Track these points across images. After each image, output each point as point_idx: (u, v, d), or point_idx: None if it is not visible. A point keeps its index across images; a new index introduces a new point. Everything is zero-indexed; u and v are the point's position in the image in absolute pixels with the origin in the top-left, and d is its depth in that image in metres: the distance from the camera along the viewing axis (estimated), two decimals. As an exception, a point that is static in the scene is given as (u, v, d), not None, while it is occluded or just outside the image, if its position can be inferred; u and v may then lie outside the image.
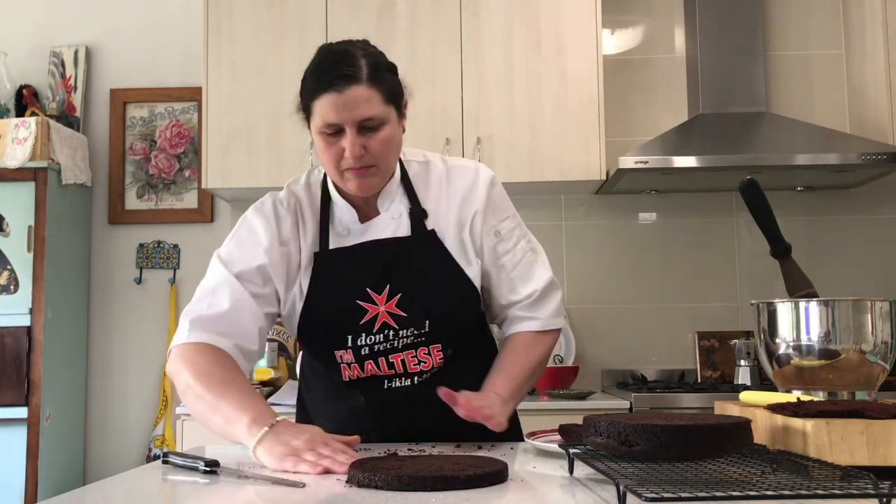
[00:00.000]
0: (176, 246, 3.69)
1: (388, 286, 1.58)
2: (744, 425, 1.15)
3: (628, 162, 3.11)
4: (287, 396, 3.02)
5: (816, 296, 1.53)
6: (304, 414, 1.78)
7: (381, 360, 1.60)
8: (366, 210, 1.64)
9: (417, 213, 1.63)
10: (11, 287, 3.20)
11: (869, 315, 1.40)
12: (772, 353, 1.46)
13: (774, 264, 1.61)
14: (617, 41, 3.70)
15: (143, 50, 3.75)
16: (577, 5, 3.32)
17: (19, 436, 3.12)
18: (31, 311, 3.18)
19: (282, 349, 3.28)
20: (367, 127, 1.50)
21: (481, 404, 1.48)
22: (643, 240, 3.62)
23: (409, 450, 1.47)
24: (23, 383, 3.14)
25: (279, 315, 1.66)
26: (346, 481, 1.18)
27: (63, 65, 3.73)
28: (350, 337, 1.58)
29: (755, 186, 1.60)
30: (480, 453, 1.43)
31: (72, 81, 3.71)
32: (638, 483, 0.99)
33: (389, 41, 3.33)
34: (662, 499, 0.92)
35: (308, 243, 1.63)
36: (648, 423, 1.12)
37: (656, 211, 3.64)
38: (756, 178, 1.61)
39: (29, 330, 3.17)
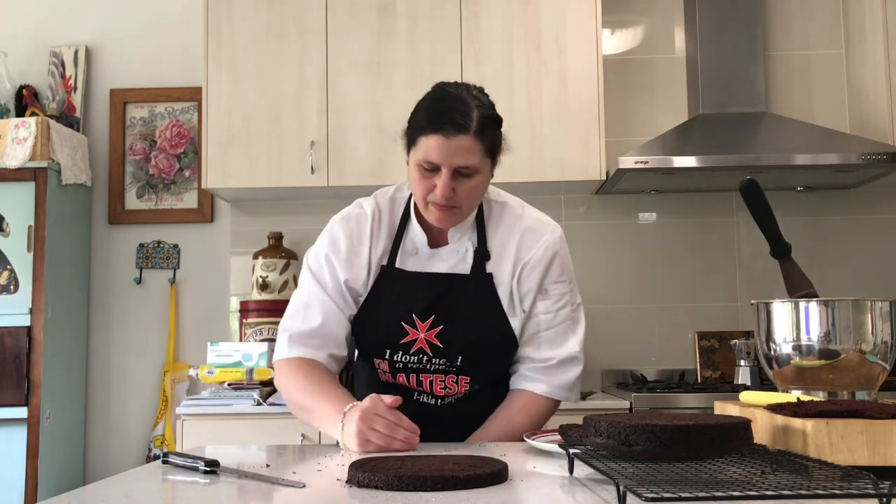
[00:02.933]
0: (176, 246, 3.70)
1: (433, 316, 1.70)
2: (744, 425, 1.15)
3: (628, 162, 3.11)
4: (287, 396, 3.02)
5: (816, 296, 1.53)
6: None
7: (413, 376, 1.74)
8: (437, 237, 1.76)
9: (481, 254, 1.73)
10: (11, 287, 3.20)
11: (869, 315, 1.40)
12: (772, 353, 1.46)
13: (774, 264, 1.62)
14: (617, 41, 3.70)
15: (143, 50, 3.75)
16: (577, 5, 3.32)
17: (19, 436, 3.12)
18: (31, 311, 3.18)
19: (282, 349, 3.27)
20: (461, 173, 1.62)
21: None
22: (643, 240, 3.62)
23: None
24: (23, 383, 3.14)
25: None
26: (346, 481, 1.18)
27: (63, 65, 3.73)
28: (388, 351, 1.72)
29: (755, 187, 1.60)
30: (480, 453, 1.43)
31: (72, 81, 3.71)
32: (638, 483, 0.99)
33: (389, 41, 3.34)
34: (662, 499, 0.92)
35: (378, 253, 1.75)
36: (648, 423, 1.12)
37: (656, 211, 3.64)
38: (756, 178, 1.61)
39: (29, 330, 3.17)
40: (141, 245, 3.69)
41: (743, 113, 3.40)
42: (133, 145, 3.72)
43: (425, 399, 1.75)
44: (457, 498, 1.06)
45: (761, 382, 3.13)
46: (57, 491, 3.16)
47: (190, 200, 3.70)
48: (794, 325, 1.43)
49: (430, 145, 1.61)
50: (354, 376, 1.95)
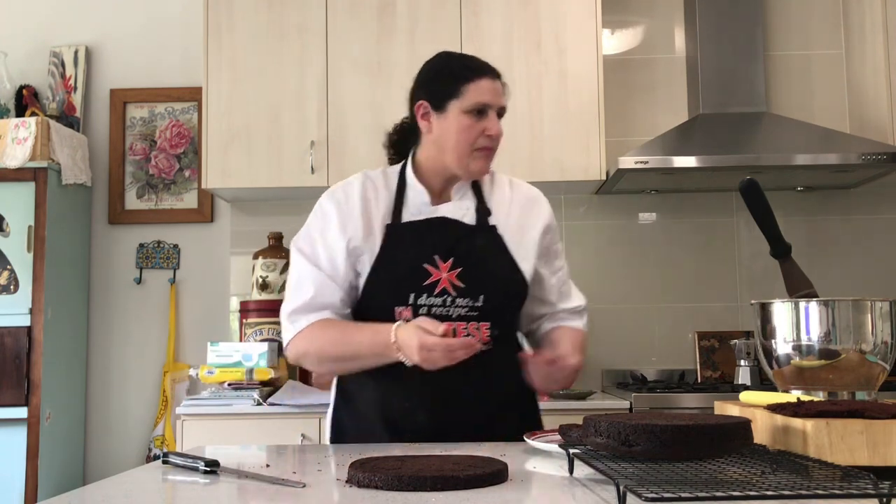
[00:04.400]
0: (176, 246, 3.70)
1: (452, 258, 1.75)
2: (744, 425, 1.15)
3: (628, 162, 3.11)
4: (287, 396, 3.02)
5: (816, 296, 1.53)
6: (343, 391, 1.88)
7: None
8: (437, 198, 1.84)
9: (483, 210, 1.82)
10: (11, 287, 3.20)
11: (869, 315, 1.40)
12: (772, 353, 1.46)
13: (774, 264, 1.62)
14: (617, 41, 3.70)
15: (143, 50, 3.75)
16: (577, 5, 3.32)
17: (19, 436, 3.12)
18: (31, 311, 3.18)
19: (282, 349, 3.27)
20: (499, 115, 1.78)
21: (559, 354, 1.72)
22: (643, 240, 3.62)
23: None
24: (23, 383, 3.14)
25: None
26: (346, 481, 1.18)
27: (63, 65, 3.73)
28: (412, 295, 1.73)
29: (755, 187, 1.60)
30: (480, 453, 1.43)
31: (72, 81, 3.72)
32: (638, 483, 0.99)
33: (389, 41, 3.34)
34: (662, 499, 0.92)
35: (379, 213, 1.80)
36: (648, 423, 1.12)
37: (656, 211, 3.63)
38: (756, 179, 1.61)
39: (29, 330, 3.17)
40: (141, 245, 3.69)
41: (743, 113, 3.40)
42: (133, 145, 3.72)
43: None
44: (457, 498, 1.06)
45: (761, 382, 3.13)
46: (57, 491, 3.16)
47: (190, 200, 3.70)
48: (794, 325, 1.43)
49: (482, 88, 1.75)
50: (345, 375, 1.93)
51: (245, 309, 3.37)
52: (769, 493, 0.95)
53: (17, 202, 3.23)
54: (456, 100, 1.76)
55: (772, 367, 1.47)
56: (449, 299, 1.73)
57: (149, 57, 3.75)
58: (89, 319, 3.66)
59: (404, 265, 1.75)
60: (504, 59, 3.32)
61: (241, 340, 3.35)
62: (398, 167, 1.89)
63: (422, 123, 1.82)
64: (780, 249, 1.59)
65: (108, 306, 3.67)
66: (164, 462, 1.39)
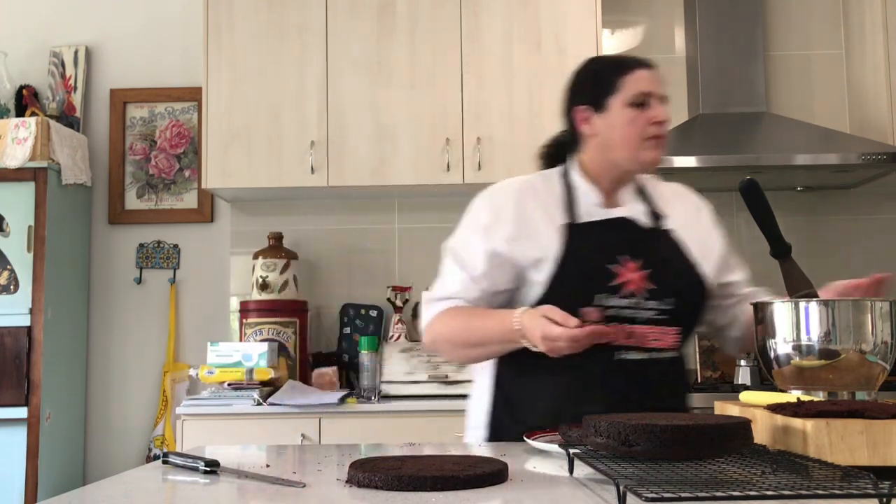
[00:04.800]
0: (176, 246, 3.70)
1: (641, 259, 1.71)
2: (744, 425, 1.15)
3: (628, 162, 3.11)
4: (287, 396, 3.02)
5: (816, 296, 1.53)
6: (503, 393, 1.79)
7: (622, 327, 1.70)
8: (609, 201, 1.80)
9: (655, 213, 1.80)
10: (11, 287, 3.20)
11: (869, 315, 1.40)
12: (772, 353, 1.46)
13: (774, 264, 1.61)
14: (617, 41, 3.70)
15: (143, 50, 3.75)
16: (577, 5, 3.32)
17: (19, 436, 3.12)
18: (31, 311, 3.18)
19: (282, 349, 3.28)
20: (662, 104, 1.77)
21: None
22: (643, 240, 3.62)
23: None
24: (23, 383, 3.14)
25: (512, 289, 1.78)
26: (346, 481, 1.18)
27: (63, 65, 3.73)
28: (598, 296, 1.68)
29: (755, 187, 1.60)
30: (480, 453, 1.43)
31: (72, 81, 3.71)
32: (638, 483, 0.99)
33: (389, 41, 3.34)
34: (662, 499, 0.92)
35: (551, 218, 1.76)
36: (648, 423, 1.12)
37: (656, 211, 3.63)
38: (756, 178, 1.61)
39: (29, 330, 3.17)
40: (141, 245, 3.69)
41: (743, 113, 3.40)
42: (133, 145, 3.72)
43: (633, 356, 1.68)
44: (457, 498, 1.06)
45: (761, 382, 3.13)
46: (57, 491, 3.16)
47: (190, 200, 3.70)
48: (794, 325, 1.43)
49: (639, 78, 1.76)
50: (507, 372, 1.80)
51: (245, 309, 3.37)
52: (769, 493, 0.95)
53: (17, 202, 3.23)
54: (616, 95, 1.75)
55: (772, 367, 1.47)
56: (636, 301, 1.69)
57: (149, 57, 3.75)
58: (89, 319, 3.66)
59: (588, 265, 1.70)
60: (504, 59, 3.32)
61: (241, 340, 3.35)
62: (557, 170, 1.86)
63: (583, 128, 1.80)
64: (780, 249, 1.59)
65: (108, 306, 3.67)
66: (164, 462, 1.39)
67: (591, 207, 1.77)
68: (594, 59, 1.90)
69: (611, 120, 1.75)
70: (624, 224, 1.75)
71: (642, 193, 1.83)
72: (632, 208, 1.79)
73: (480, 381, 1.85)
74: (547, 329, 1.53)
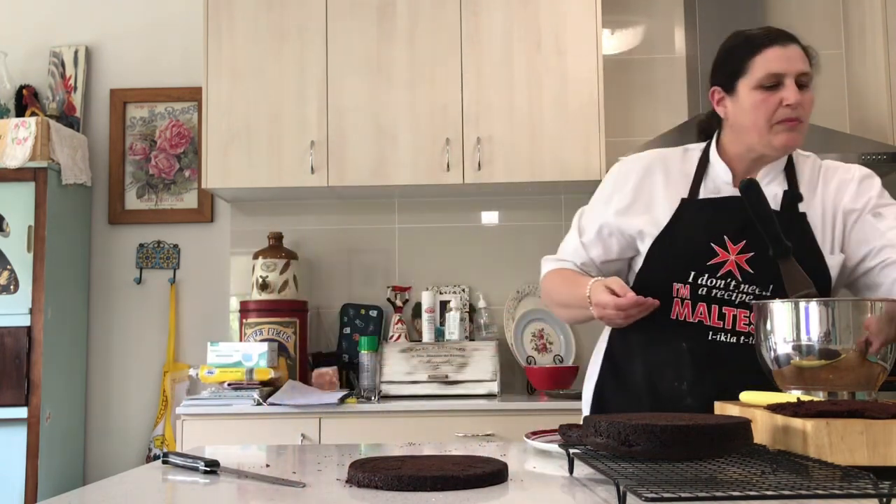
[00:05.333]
0: (176, 246, 3.70)
1: (745, 241, 1.66)
2: (744, 425, 1.15)
3: (628, 162, 3.11)
4: (287, 396, 3.02)
5: (816, 296, 1.53)
6: (612, 364, 1.84)
7: (714, 307, 1.67)
8: (742, 177, 1.73)
9: (793, 195, 1.70)
10: (11, 287, 3.20)
11: (869, 315, 1.40)
12: (772, 353, 1.46)
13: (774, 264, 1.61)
14: (617, 41, 3.70)
15: (143, 50, 3.75)
16: (577, 5, 3.32)
17: (19, 436, 3.12)
18: (31, 311, 3.18)
19: (282, 349, 3.28)
20: (801, 83, 1.66)
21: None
22: (643, 240, 3.62)
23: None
24: (23, 383, 3.14)
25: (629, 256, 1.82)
26: (346, 481, 1.18)
27: (63, 65, 3.73)
28: (693, 273, 1.67)
29: (755, 186, 1.60)
30: (480, 453, 1.43)
31: (72, 81, 3.72)
32: (638, 483, 0.99)
33: (389, 41, 3.34)
34: (662, 499, 0.92)
35: (672, 192, 1.75)
36: (648, 423, 1.12)
37: (656, 211, 3.63)
38: (756, 178, 1.61)
39: (29, 330, 3.17)
40: (141, 245, 3.69)
41: (743, 113, 3.40)
42: (133, 145, 3.72)
43: (723, 338, 1.66)
44: (457, 498, 1.06)
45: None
46: (57, 491, 3.17)
47: (190, 200, 3.70)
48: (794, 325, 1.43)
49: (769, 58, 1.66)
50: (617, 340, 1.84)
51: (245, 309, 3.37)
52: (769, 493, 0.95)
53: (17, 202, 3.23)
54: (744, 77, 1.68)
55: (772, 367, 1.47)
56: (733, 283, 1.65)
57: (149, 57, 3.75)
58: (89, 319, 3.66)
59: (689, 241, 1.68)
60: (504, 59, 3.32)
61: (241, 340, 3.35)
62: (701, 145, 1.82)
63: (718, 109, 1.76)
64: (780, 249, 1.58)
65: (108, 306, 3.67)
66: (164, 462, 1.39)
67: (721, 185, 1.74)
68: (734, 34, 1.78)
69: (739, 103, 1.70)
70: (741, 203, 1.65)
71: (791, 175, 1.74)
72: (763, 188, 1.69)
73: (597, 351, 1.90)
74: (599, 297, 1.59)
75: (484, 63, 3.31)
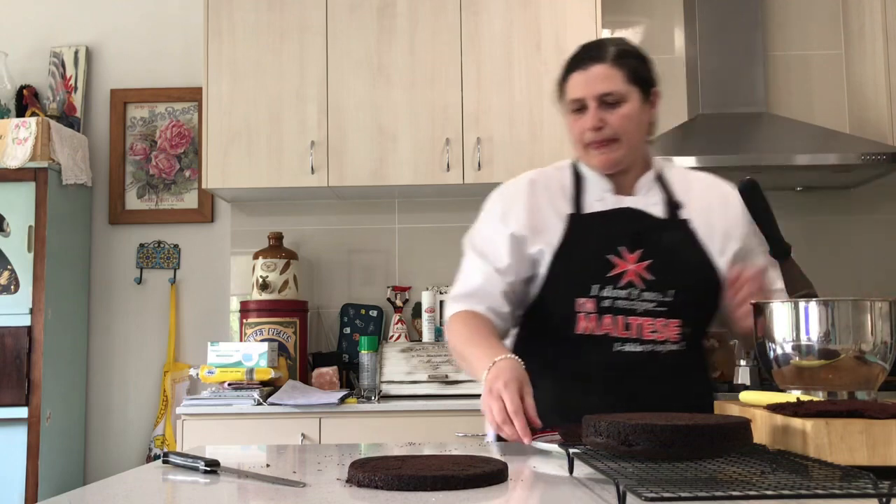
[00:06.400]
0: (176, 246, 3.70)
1: (640, 250, 1.67)
2: (744, 425, 1.15)
3: (628, 162, 3.11)
4: (287, 396, 3.02)
5: (816, 296, 1.53)
6: None
7: (620, 318, 1.66)
8: (620, 189, 1.76)
9: (673, 203, 1.74)
10: (11, 287, 3.20)
11: (869, 315, 1.40)
12: (771, 353, 1.46)
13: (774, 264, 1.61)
14: (617, 41, 3.69)
15: (143, 50, 3.75)
16: (577, 5, 3.32)
17: (19, 436, 3.12)
18: (31, 311, 3.18)
19: (282, 349, 3.28)
20: (607, 102, 1.68)
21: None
22: (643, 240, 3.62)
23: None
24: (23, 383, 3.14)
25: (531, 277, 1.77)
26: (346, 481, 1.18)
27: (63, 65, 3.73)
28: (595, 286, 1.66)
29: (755, 187, 1.60)
30: (480, 453, 1.43)
31: (72, 81, 3.72)
32: (638, 483, 0.99)
33: (389, 41, 3.34)
34: (662, 499, 0.92)
35: (558, 208, 1.75)
36: (648, 423, 1.12)
37: (656, 211, 3.63)
38: (756, 178, 1.61)
39: (29, 330, 3.17)
40: (141, 245, 3.69)
41: (743, 113, 3.40)
42: (133, 145, 3.72)
43: (630, 347, 1.66)
44: (457, 498, 1.06)
45: (761, 382, 3.12)
46: (57, 491, 3.17)
47: (190, 200, 3.70)
48: (794, 325, 1.43)
49: (572, 84, 1.70)
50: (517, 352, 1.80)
51: (245, 309, 3.37)
52: (769, 493, 0.95)
53: (18, 202, 3.23)
54: (562, 101, 1.76)
55: (772, 367, 1.47)
56: (635, 292, 1.65)
57: (149, 57, 3.75)
58: (89, 319, 3.66)
59: (587, 255, 1.68)
60: (504, 59, 3.32)
61: (241, 340, 3.35)
62: (568, 161, 1.84)
63: None
64: (780, 249, 1.58)
65: (108, 306, 3.67)
66: (164, 462, 1.39)
67: (602, 195, 1.75)
68: (578, 48, 1.80)
69: (565, 121, 1.76)
70: (629, 214, 1.72)
71: (662, 181, 1.78)
72: (644, 198, 1.74)
73: None
74: (493, 395, 1.47)
75: (484, 63, 3.31)
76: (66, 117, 3.68)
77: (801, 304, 1.43)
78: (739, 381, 3.21)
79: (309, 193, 3.48)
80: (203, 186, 3.35)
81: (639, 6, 3.71)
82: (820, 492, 0.96)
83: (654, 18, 3.70)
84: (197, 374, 3.12)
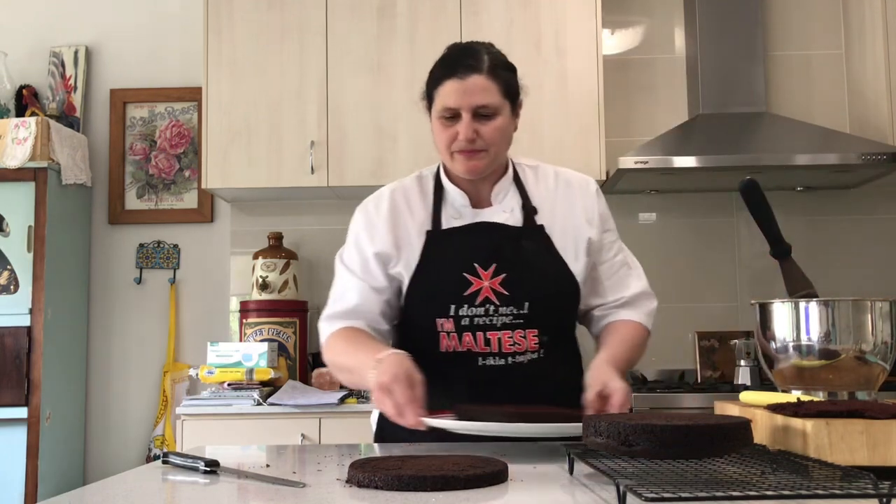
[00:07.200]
0: (176, 246, 3.70)
1: (494, 265, 1.67)
2: (744, 425, 1.15)
3: (628, 162, 3.11)
4: (287, 396, 3.02)
5: (816, 296, 1.53)
6: None
7: (479, 334, 1.68)
8: (478, 200, 1.76)
9: (529, 208, 1.74)
10: (11, 287, 3.20)
11: (869, 315, 1.40)
12: (771, 353, 1.46)
13: (774, 264, 1.61)
14: (617, 41, 3.70)
15: (143, 50, 3.75)
16: (577, 5, 3.32)
17: (19, 436, 3.12)
18: (31, 311, 3.18)
19: (282, 349, 3.28)
20: (481, 114, 1.65)
21: (616, 402, 1.53)
22: (643, 240, 3.62)
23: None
24: (23, 383, 3.14)
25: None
26: (346, 481, 1.18)
27: (63, 65, 3.73)
28: (453, 306, 1.67)
29: (755, 187, 1.60)
30: (480, 453, 1.43)
31: (72, 81, 3.72)
32: (638, 483, 0.99)
33: (389, 41, 3.34)
34: (662, 499, 0.92)
35: (417, 224, 1.74)
36: (648, 423, 1.12)
37: (656, 211, 3.63)
38: (756, 178, 1.61)
39: (29, 330, 3.17)
40: (141, 245, 3.69)
41: (743, 113, 3.40)
42: (133, 145, 3.72)
43: (493, 361, 1.68)
44: (457, 498, 1.06)
45: (761, 382, 3.13)
46: (57, 491, 3.16)
47: (190, 200, 3.70)
48: (794, 325, 1.43)
49: (446, 91, 1.65)
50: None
51: (245, 309, 3.37)
52: (769, 493, 0.95)
53: (17, 202, 3.23)
54: (432, 104, 1.70)
55: (772, 368, 1.47)
56: (492, 308, 1.66)
57: (149, 57, 3.75)
58: (89, 319, 3.66)
59: (443, 275, 1.69)
60: (504, 59, 3.32)
61: (241, 340, 3.35)
62: (434, 168, 1.81)
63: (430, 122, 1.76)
64: (780, 249, 1.58)
65: (108, 306, 3.67)
66: (164, 462, 1.39)
67: (461, 209, 1.74)
68: (447, 49, 1.74)
69: (433, 126, 1.71)
70: (484, 228, 1.71)
71: (521, 187, 1.76)
72: (501, 208, 1.74)
73: None
74: (380, 397, 1.49)
75: (484, 63, 3.31)
76: (66, 117, 3.68)
77: (802, 304, 1.43)
78: (739, 381, 3.21)
79: (309, 193, 3.48)
80: (203, 186, 3.35)
81: (639, 6, 3.70)
82: (820, 492, 0.96)
83: (654, 18, 3.70)
84: (197, 375, 3.12)
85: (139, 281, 3.68)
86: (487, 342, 1.67)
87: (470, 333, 1.68)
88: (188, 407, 2.99)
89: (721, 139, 3.28)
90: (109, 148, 3.72)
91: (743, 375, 3.21)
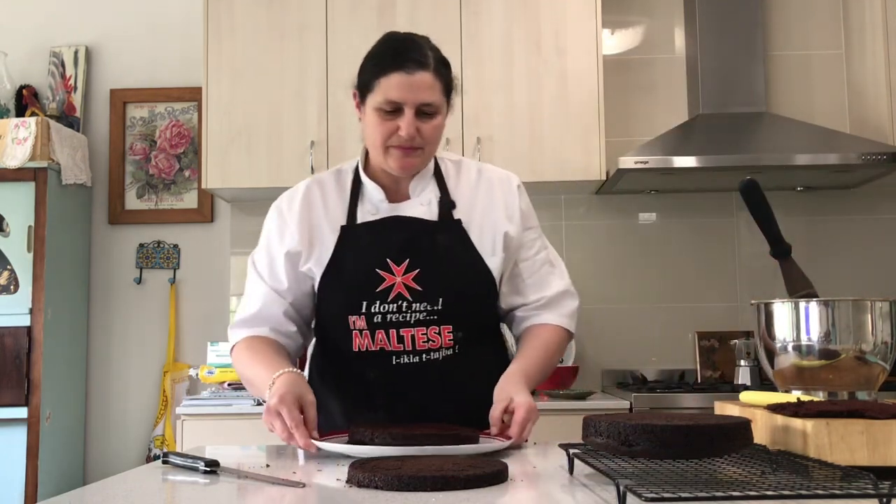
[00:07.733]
0: (176, 246, 3.69)
1: (407, 260, 1.65)
2: (744, 425, 1.15)
3: (628, 162, 3.11)
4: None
5: (816, 296, 1.53)
6: (316, 398, 1.77)
7: (392, 332, 1.65)
8: (395, 194, 1.73)
9: (447, 202, 1.71)
10: (11, 287, 3.20)
11: (869, 315, 1.40)
12: (772, 353, 1.46)
13: (774, 264, 1.61)
14: (617, 41, 3.70)
15: (143, 50, 3.75)
16: (577, 5, 3.32)
17: (19, 436, 3.12)
18: (31, 311, 3.18)
19: (282, 349, 3.27)
20: (424, 112, 1.62)
21: (518, 419, 1.52)
22: (643, 240, 3.62)
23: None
24: (23, 383, 3.14)
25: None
26: (346, 481, 1.18)
27: (63, 65, 3.73)
28: (365, 303, 1.64)
29: (755, 187, 1.60)
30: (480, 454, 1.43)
31: (72, 81, 3.71)
32: (638, 483, 0.99)
33: (389, 41, 3.33)
34: (662, 499, 0.92)
35: (333, 219, 1.71)
36: (648, 423, 1.12)
37: (656, 211, 3.63)
38: (756, 178, 1.61)
39: (29, 330, 3.17)
40: (141, 245, 3.69)
41: (743, 113, 3.40)
42: (133, 145, 3.72)
43: (407, 359, 1.66)
44: (457, 498, 1.06)
45: (761, 382, 3.13)
46: (57, 491, 3.16)
47: (190, 200, 3.70)
48: (794, 325, 1.43)
49: (391, 84, 1.59)
50: (315, 379, 1.80)
51: (245, 309, 3.36)
52: (769, 493, 0.95)
53: (17, 202, 3.23)
54: (370, 94, 1.63)
55: (772, 367, 1.47)
56: (405, 305, 1.63)
57: (149, 57, 3.75)
58: (89, 319, 3.66)
59: (355, 271, 1.66)
60: (504, 59, 3.32)
61: (241, 340, 3.35)
62: (353, 163, 1.79)
63: (357, 113, 1.71)
64: (780, 249, 1.58)
65: (108, 306, 3.67)
66: (164, 462, 1.39)
67: (377, 204, 1.72)
68: (383, 39, 1.68)
69: (366, 118, 1.66)
70: (399, 222, 1.68)
71: (440, 180, 1.74)
72: (419, 200, 1.71)
73: None
74: (269, 418, 1.50)
75: (484, 63, 3.31)
76: (66, 117, 3.68)
77: (802, 305, 1.43)
78: (739, 381, 3.21)
79: (309, 193, 3.48)
80: (203, 186, 3.35)
81: (639, 6, 3.70)
82: (820, 492, 0.96)
83: (655, 18, 3.70)
84: (197, 375, 3.12)
85: (139, 281, 3.68)
86: (401, 339, 1.65)
87: (383, 331, 1.65)
88: (188, 407, 2.99)
89: (721, 139, 3.28)
90: (109, 148, 3.72)
91: (743, 375, 3.21)
